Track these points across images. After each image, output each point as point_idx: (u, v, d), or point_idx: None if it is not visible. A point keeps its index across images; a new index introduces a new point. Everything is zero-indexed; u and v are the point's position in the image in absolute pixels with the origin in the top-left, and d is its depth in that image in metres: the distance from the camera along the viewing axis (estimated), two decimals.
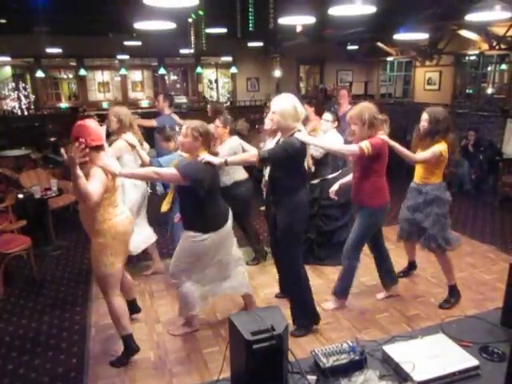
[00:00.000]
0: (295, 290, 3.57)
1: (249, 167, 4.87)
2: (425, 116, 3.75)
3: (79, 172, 2.72)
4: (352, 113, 3.57)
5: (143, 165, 4.09)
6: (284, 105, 3.26)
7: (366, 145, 3.38)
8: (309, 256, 4.79)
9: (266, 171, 3.98)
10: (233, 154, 4.20)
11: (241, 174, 4.58)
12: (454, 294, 3.99)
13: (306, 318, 3.60)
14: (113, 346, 3.46)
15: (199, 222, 3.26)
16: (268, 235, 4.34)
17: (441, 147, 3.65)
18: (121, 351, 3.31)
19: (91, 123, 3.00)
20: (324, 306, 3.94)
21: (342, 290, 3.92)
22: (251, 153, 3.59)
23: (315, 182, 4.65)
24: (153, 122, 5.83)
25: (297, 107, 3.28)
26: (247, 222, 4.86)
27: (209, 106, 5.54)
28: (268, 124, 3.46)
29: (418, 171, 3.91)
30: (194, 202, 3.18)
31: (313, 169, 4.64)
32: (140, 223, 4.46)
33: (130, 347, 3.26)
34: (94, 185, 2.83)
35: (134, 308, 3.77)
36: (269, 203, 3.67)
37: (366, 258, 4.44)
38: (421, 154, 3.70)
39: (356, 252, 3.77)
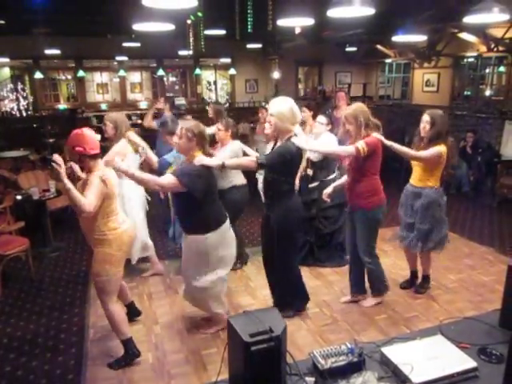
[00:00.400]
0: (280, 279, 3.70)
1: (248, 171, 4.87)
2: (426, 118, 3.76)
3: (69, 184, 2.74)
4: (347, 113, 3.58)
5: (150, 166, 4.10)
6: (281, 107, 3.28)
7: (361, 145, 3.40)
8: (309, 258, 4.80)
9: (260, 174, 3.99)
10: (233, 157, 4.22)
11: (240, 179, 4.54)
12: (427, 281, 4.27)
13: (298, 299, 3.81)
14: (111, 347, 3.45)
15: (198, 224, 3.25)
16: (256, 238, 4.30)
17: (441, 149, 3.68)
18: (119, 353, 3.32)
19: (88, 132, 2.99)
20: (364, 304, 3.97)
21: (379, 287, 3.94)
22: (250, 158, 3.55)
23: (314, 185, 4.65)
24: (153, 124, 5.83)
25: (294, 110, 3.30)
26: (234, 225, 4.82)
27: (210, 108, 5.54)
28: (267, 128, 3.45)
29: (416, 173, 3.91)
30: (191, 205, 3.17)
31: (310, 172, 4.65)
32: (141, 233, 4.45)
33: (132, 352, 3.26)
34: (89, 196, 2.83)
35: (134, 311, 3.76)
36: (265, 205, 3.66)
37: None
38: (420, 152, 3.72)
39: (373, 252, 3.79)
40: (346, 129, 3.58)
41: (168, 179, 3.10)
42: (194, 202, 3.15)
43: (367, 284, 4.05)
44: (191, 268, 3.39)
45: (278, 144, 3.43)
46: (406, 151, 3.66)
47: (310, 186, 4.65)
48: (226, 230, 3.39)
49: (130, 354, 3.26)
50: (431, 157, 3.68)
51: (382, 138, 3.50)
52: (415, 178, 3.92)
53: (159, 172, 3.47)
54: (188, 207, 3.22)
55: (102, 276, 3.06)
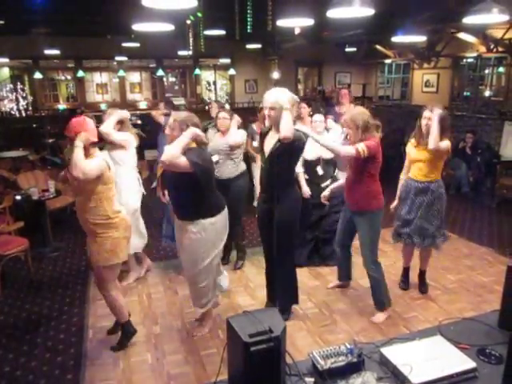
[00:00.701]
0: (285, 276, 3.68)
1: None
2: (428, 114, 3.79)
3: (79, 143, 2.92)
4: (346, 117, 3.59)
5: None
6: (283, 98, 3.28)
7: (362, 147, 3.39)
8: (315, 256, 4.80)
9: (256, 168, 3.96)
10: (242, 143, 4.43)
11: (244, 166, 4.64)
12: (424, 276, 4.30)
13: (290, 300, 3.80)
14: (110, 347, 3.45)
15: (206, 209, 3.27)
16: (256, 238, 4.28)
17: (448, 142, 3.78)
18: (119, 352, 3.36)
19: (88, 119, 3.10)
20: (374, 319, 3.79)
21: (384, 301, 3.82)
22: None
23: (326, 183, 4.54)
24: (161, 118, 5.82)
25: (294, 98, 3.35)
26: (242, 213, 4.88)
27: (213, 105, 5.52)
28: (267, 122, 3.40)
29: (419, 168, 3.91)
30: (197, 190, 3.19)
31: (321, 172, 4.60)
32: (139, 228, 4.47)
33: (129, 331, 3.42)
34: (90, 161, 2.98)
35: None
36: (264, 199, 3.62)
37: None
38: (441, 143, 3.76)
39: (376, 259, 3.74)
40: (346, 132, 3.61)
41: (183, 160, 3.04)
42: (199, 188, 3.17)
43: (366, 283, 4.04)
44: (200, 255, 3.34)
45: (276, 135, 3.36)
46: (438, 135, 3.69)
47: (323, 185, 4.56)
48: (227, 215, 3.47)
49: (129, 333, 3.42)
50: (445, 149, 3.77)
51: (435, 116, 3.67)
52: (419, 174, 3.92)
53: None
54: (193, 194, 3.20)
55: (110, 260, 3.13)
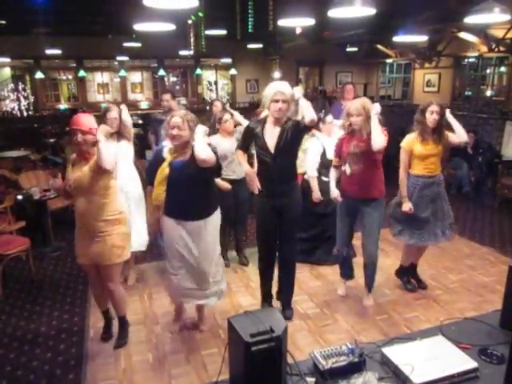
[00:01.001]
0: (293, 271, 3.81)
1: None
2: (435, 108, 3.77)
3: (102, 137, 2.96)
4: (357, 104, 3.56)
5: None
6: (293, 90, 3.33)
7: (386, 136, 3.48)
8: (330, 254, 4.74)
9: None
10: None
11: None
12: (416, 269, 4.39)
13: (292, 293, 3.87)
14: (111, 347, 3.45)
15: (214, 201, 3.38)
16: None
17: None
18: (119, 352, 3.36)
19: None
20: (366, 303, 3.95)
21: (373, 283, 3.97)
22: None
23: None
24: (174, 105, 5.76)
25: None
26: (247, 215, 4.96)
27: (216, 104, 5.50)
28: (279, 113, 3.34)
29: (430, 162, 3.89)
30: (208, 185, 3.28)
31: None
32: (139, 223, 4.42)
33: (127, 322, 3.53)
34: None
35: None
36: (270, 196, 3.53)
37: None
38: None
39: (379, 244, 3.86)
40: (353, 121, 3.54)
41: (213, 153, 3.09)
42: (209, 182, 3.29)
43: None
44: (215, 248, 3.44)
45: (277, 128, 3.39)
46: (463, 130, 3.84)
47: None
48: None
49: (127, 325, 3.52)
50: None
51: (448, 112, 3.80)
52: (429, 168, 3.89)
53: (156, 159, 3.35)
54: (206, 190, 3.27)
55: (121, 256, 3.22)
